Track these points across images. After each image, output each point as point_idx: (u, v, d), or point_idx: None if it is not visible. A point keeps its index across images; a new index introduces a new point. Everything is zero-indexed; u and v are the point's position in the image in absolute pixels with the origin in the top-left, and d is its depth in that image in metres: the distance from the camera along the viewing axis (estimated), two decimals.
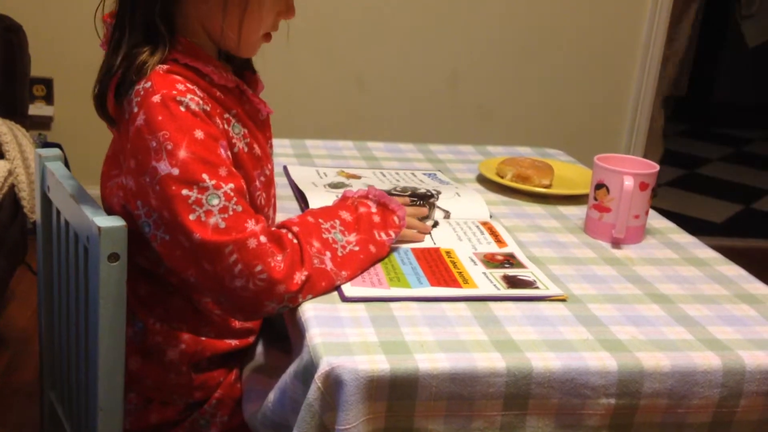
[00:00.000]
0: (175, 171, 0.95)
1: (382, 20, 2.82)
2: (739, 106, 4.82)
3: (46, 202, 1.21)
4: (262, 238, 0.98)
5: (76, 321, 1.12)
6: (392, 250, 1.13)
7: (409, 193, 1.32)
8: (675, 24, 3.18)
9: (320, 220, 1.06)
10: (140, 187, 0.98)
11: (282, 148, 1.59)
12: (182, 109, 0.97)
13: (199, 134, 0.97)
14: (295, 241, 1.01)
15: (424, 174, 1.48)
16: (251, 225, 0.98)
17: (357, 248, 1.06)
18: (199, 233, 0.95)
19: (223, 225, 0.96)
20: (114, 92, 1.02)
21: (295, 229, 1.03)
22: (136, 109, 0.98)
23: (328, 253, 1.03)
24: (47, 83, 2.72)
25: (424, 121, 2.92)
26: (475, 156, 1.65)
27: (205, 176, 0.96)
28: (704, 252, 1.25)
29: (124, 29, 1.02)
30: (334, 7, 2.72)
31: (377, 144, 1.68)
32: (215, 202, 0.96)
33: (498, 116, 2.97)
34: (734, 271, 1.19)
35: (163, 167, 0.95)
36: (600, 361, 0.91)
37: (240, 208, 0.97)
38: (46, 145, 2.67)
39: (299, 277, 0.98)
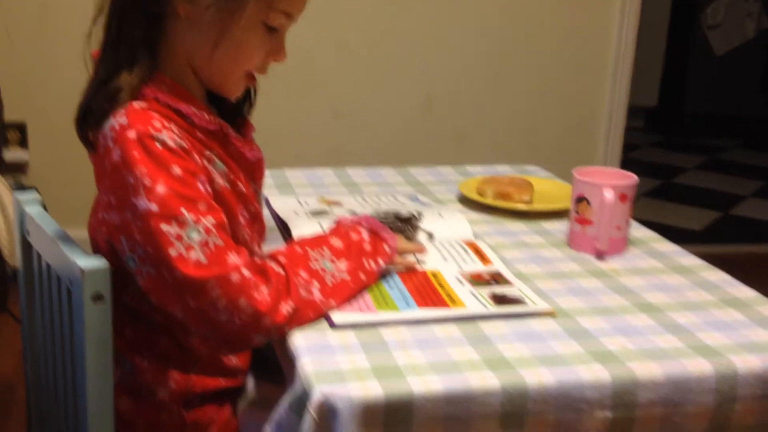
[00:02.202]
0: (154, 207, 0.94)
1: (355, 50, 2.84)
2: (710, 115, 4.88)
3: (27, 247, 1.20)
4: (245, 271, 0.97)
5: (62, 366, 1.11)
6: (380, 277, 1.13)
7: (392, 216, 1.32)
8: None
9: (308, 249, 1.05)
10: (124, 222, 0.98)
11: None
12: (158, 145, 0.96)
13: (176, 170, 0.96)
14: (281, 272, 1.00)
15: (405, 196, 1.48)
16: (233, 258, 0.97)
17: (348, 277, 1.05)
18: (181, 268, 0.94)
19: (204, 260, 0.95)
20: (94, 119, 1.01)
21: (282, 259, 1.02)
22: (111, 144, 0.97)
23: (317, 283, 1.02)
24: (21, 128, 2.70)
25: (401, 147, 2.93)
26: (454, 177, 1.66)
27: (183, 210, 0.95)
28: (688, 259, 1.26)
29: (105, 51, 1.03)
30: (307, 38, 2.73)
31: (357, 170, 1.68)
32: (195, 236, 0.95)
33: (474, 138, 2.99)
34: (719, 276, 1.20)
35: (143, 204, 0.95)
36: (593, 373, 0.91)
37: (221, 242, 0.97)
38: (22, 189, 2.64)
39: (285, 308, 0.98)
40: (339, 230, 1.11)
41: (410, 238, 1.26)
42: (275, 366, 1.08)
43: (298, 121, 2.85)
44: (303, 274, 1.01)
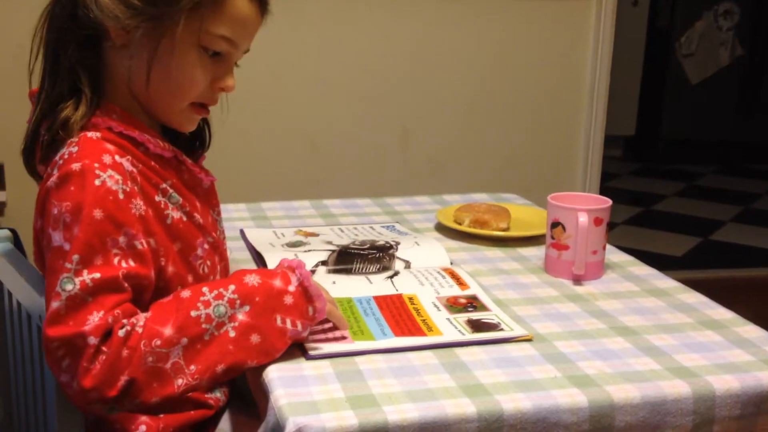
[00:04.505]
0: (67, 246, 0.92)
1: (332, 83, 2.85)
2: (688, 142, 4.93)
3: None
4: (90, 339, 0.89)
5: (33, 404, 1.09)
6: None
7: (368, 246, 1.31)
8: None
9: (204, 290, 0.95)
10: (39, 248, 0.98)
11: (238, 212, 1.58)
12: (97, 183, 0.93)
13: (98, 214, 0.92)
14: (125, 337, 0.90)
15: (383, 226, 1.48)
16: (91, 320, 0.89)
17: (233, 334, 0.94)
18: (46, 314, 0.91)
19: (63, 312, 0.90)
20: (42, 152, 1.00)
21: (147, 314, 0.93)
22: (54, 171, 0.95)
23: (184, 340, 0.91)
24: None
25: (378, 179, 2.93)
26: (431, 206, 1.66)
27: (75, 257, 0.91)
28: (664, 282, 1.26)
29: (44, 81, 1.01)
30: (283, 71, 2.75)
31: (334, 201, 1.68)
32: (69, 287, 0.90)
33: (451, 169, 3.00)
34: (695, 298, 1.20)
35: (57, 238, 0.93)
36: (570, 397, 0.90)
37: (90, 300, 0.90)
38: None
39: (120, 382, 0.89)
40: (269, 272, 1.01)
41: (387, 267, 1.26)
42: (251, 400, 1.07)
43: (275, 154, 2.85)
44: (167, 331, 0.91)
